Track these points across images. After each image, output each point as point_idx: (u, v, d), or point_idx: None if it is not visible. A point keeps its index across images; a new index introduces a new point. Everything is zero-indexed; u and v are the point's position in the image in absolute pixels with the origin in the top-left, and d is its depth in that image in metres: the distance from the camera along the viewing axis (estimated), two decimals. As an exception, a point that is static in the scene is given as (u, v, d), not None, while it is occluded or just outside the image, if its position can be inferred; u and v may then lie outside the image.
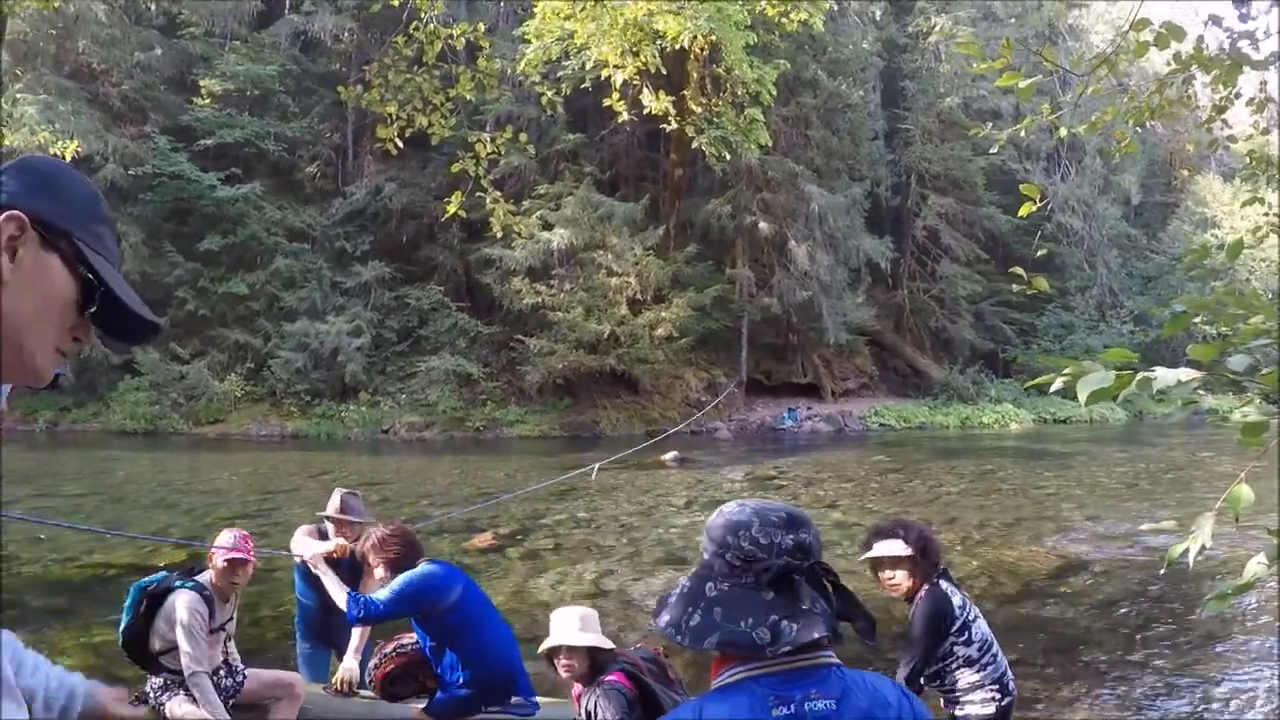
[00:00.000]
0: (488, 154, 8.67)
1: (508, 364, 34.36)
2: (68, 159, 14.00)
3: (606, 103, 8.80)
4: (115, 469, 22.00)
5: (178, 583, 5.39)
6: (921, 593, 4.48)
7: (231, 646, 5.82)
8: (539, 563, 12.27)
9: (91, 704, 2.25)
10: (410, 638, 5.57)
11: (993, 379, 42.54)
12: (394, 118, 8.01)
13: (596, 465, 17.12)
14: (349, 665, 5.88)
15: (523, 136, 9.17)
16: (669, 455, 24.39)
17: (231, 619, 5.71)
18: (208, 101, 33.07)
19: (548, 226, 32.71)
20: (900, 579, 4.52)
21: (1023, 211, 4.44)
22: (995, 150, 6.53)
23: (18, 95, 29.70)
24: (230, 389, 33.09)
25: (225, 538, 5.56)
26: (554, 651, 4.48)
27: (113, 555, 12.45)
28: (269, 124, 36.78)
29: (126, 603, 5.44)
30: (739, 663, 1.95)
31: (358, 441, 30.74)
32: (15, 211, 1.31)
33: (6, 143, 14.04)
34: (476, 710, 5.32)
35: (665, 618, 2.02)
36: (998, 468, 22.82)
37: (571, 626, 4.46)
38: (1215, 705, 7.21)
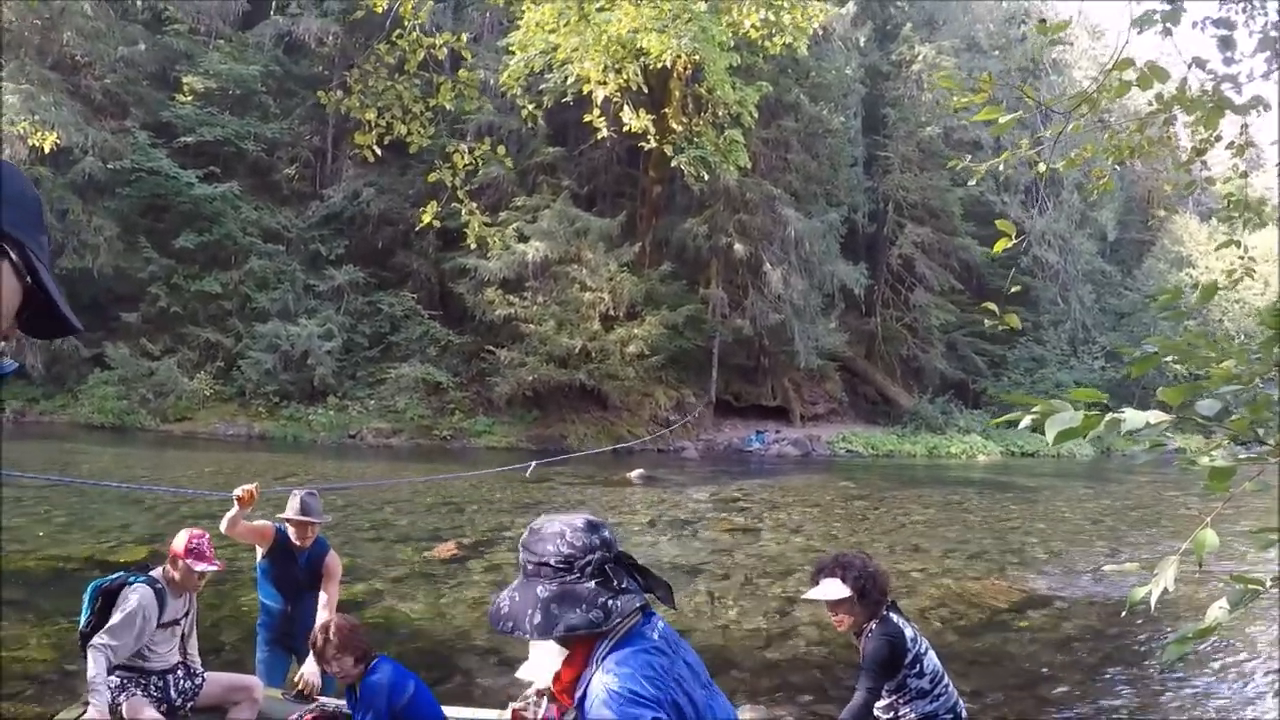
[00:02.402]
0: (465, 165, 8.64)
1: (477, 374, 34.30)
2: (47, 150, 13.98)
3: (587, 119, 8.78)
4: (80, 462, 21.81)
5: (131, 579, 5.38)
6: (871, 626, 4.49)
7: (192, 649, 5.79)
8: (501, 574, 12.20)
9: None
10: (334, 701, 5.56)
11: (962, 409, 42.66)
12: (372, 124, 7.97)
13: (533, 463, 17.18)
14: (311, 669, 5.82)
15: (501, 149, 9.11)
16: (635, 473, 24.36)
17: (188, 615, 5.67)
18: (189, 99, 32.99)
19: (523, 238, 32.66)
20: (842, 617, 4.55)
21: (997, 248, 4.42)
22: (974, 182, 6.52)
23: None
24: (199, 387, 32.96)
25: (184, 537, 5.52)
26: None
27: (72, 549, 12.36)
28: (249, 124, 36.85)
29: (85, 601, 5.42)
30: (603, 638, 2.38)
31: (324, 445, 30.59)
32: None
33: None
34: None
35: (508, 624, 2.41)
36: (963, 499, 22.84)
37: (556, 656, 4.37)
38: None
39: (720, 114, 19.47)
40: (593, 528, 2.47)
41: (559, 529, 2.45)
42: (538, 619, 2.37)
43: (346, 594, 8.08)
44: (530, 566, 2.46)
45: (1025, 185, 45.60)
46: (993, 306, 3.94)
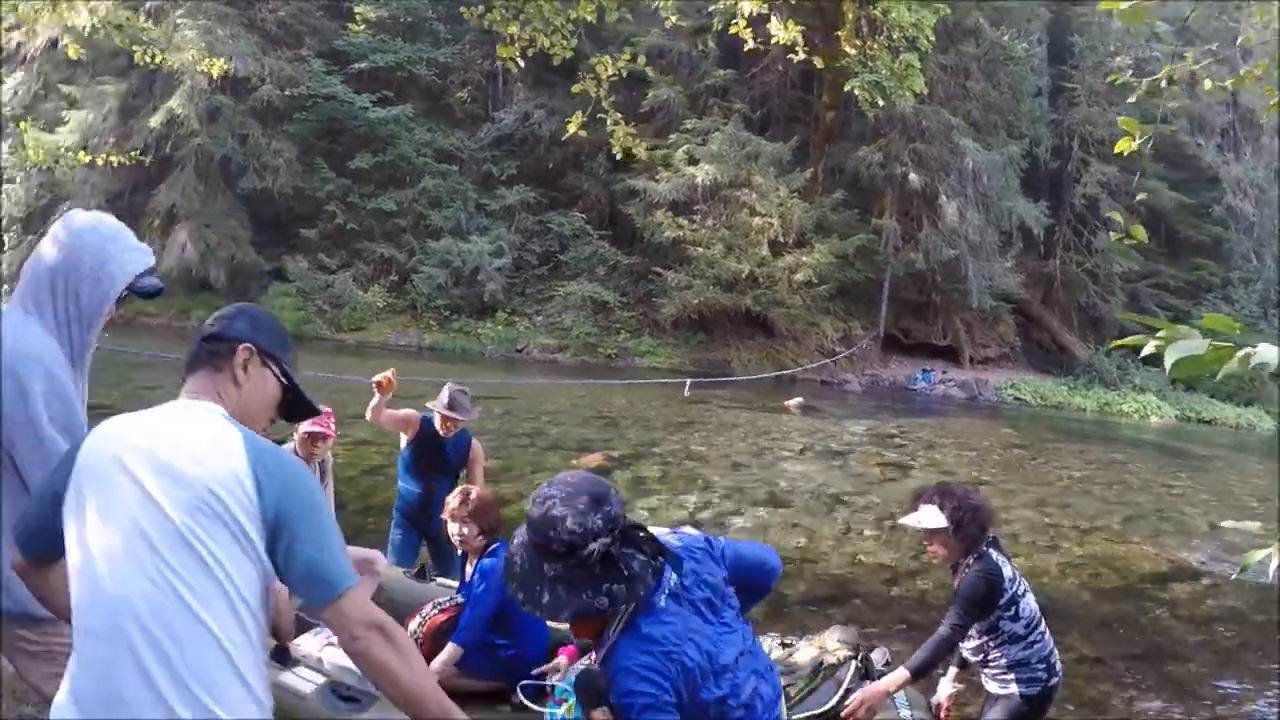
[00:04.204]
0: (609, 76, 8.63)
1: (644, 295, 34.51)
2: (214, 75, 14.74)
3: (733, 30, 8.59)
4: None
5: None
6: (969, 561, 4.28)
7: None
8: (643, 488, 12.34)
9: None
10: (451, 583, 5.74)
11: (1139, 366, 40.35)
12: (515, 38, 8.05)
13: (689, 381, 17.25)
14: None
15: (642, 59, 9.07)
16: (794, 401, 24.21)
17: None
18: (362, 28, 34.18)
19: (693, 161, 32.62)
20: (936, 548, 4.34)
21: (1120, 147, 4.17)
22: (1132, 98, 5.98)
23: (179, 21, 31.22)
24: (373, 299, 34.13)
25: None
26: None
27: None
28: (421, 49, 37.81)
29: None
30: (611, 620, 2.51)
31: (491, 358, 31.32)
32: (246, 343, 2.29)
33: (169, 64, 14.92)
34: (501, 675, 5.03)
35: (520, 594, 2.48)
36: (1128, 459, 21.61)
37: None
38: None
39: (895, 38, 18.96)
40: (595, 505, 2.46)
41: (560, 513, 2.43)
42: (545, 598, 2.44)
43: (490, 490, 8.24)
44: (531, 539, 2.50)
45: (1221, 128, 43.17)
46: (1118, 215, 3.65)
